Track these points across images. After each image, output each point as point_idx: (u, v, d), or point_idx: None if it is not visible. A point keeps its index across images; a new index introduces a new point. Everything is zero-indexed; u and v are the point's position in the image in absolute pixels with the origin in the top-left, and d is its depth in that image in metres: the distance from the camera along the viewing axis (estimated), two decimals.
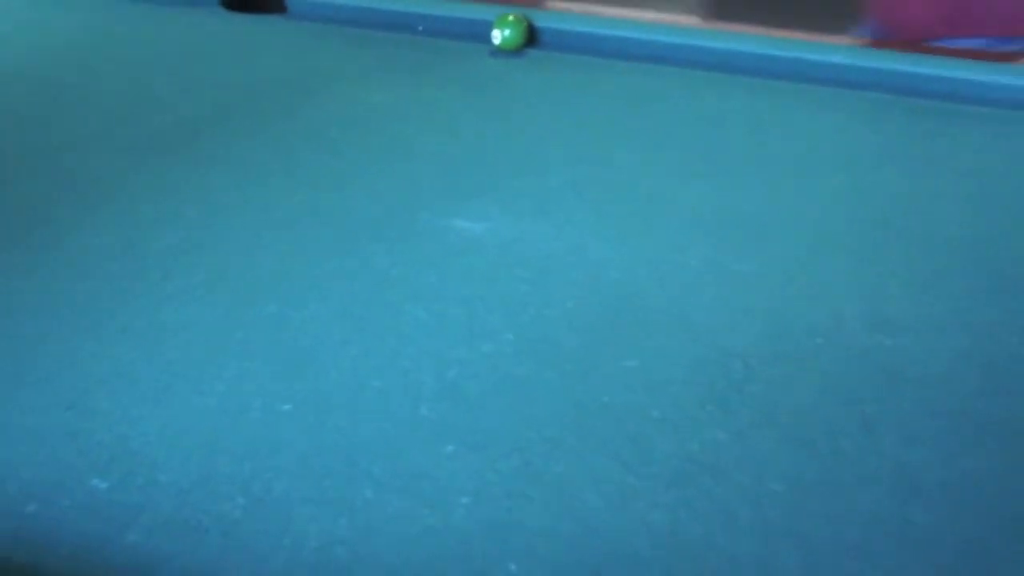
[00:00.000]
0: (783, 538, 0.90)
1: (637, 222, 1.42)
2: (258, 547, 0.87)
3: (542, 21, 2.03)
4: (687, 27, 2.07)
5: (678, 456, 1.00)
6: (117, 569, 0.85)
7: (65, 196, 1.42)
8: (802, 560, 0.88)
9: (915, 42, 2.08)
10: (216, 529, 0.89)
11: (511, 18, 1.97)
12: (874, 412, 1.06)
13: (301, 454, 0.98)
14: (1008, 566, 0.89)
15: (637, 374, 1.11)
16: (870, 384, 1.11)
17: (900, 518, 0.93)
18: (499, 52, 1.99)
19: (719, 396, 1.08)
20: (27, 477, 0.94)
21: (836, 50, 1.94)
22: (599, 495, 0.94)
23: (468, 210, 1.42)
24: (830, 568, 0.88)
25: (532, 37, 2.02)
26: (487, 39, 1.99)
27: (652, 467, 0.98)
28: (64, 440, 0.99)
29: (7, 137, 1.59)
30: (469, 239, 1.36)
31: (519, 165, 1.57)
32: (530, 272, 1.29)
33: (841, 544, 0.90)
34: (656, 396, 1.08)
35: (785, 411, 1.06)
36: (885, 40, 2.20)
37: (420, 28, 2.10)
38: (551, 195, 1.48)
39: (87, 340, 1.13)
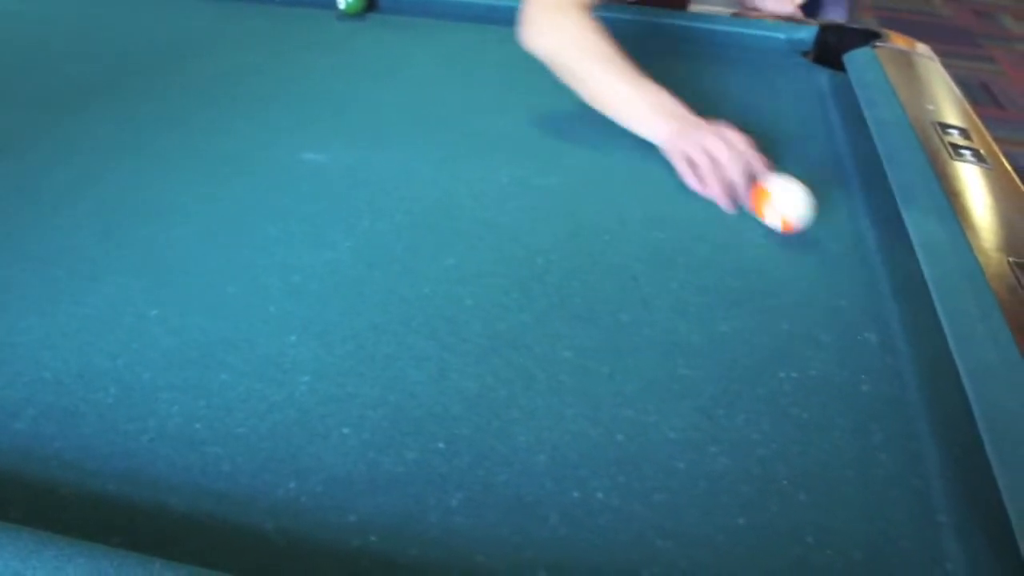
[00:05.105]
0: (572, 395, 0.90)
1: (456, 149, 1.38)
2: (127, 427, 0.84)
3: None
4: None
5: (487, 335, 0.98)
6: (6, 451, 0.80)
7: None
8: (587, 410, 0.88)
9: None
10: (92, 414, 0.85)
11: None
12: (650, 291, 1.06)
13: (166, 349, 0.94)
14: (749, 403, 0.90)
15: (454, 270, 1.08)
16: (647, 269, 1.10)
17: (668, 373, 0.93)
18: (344, 16, 1.93)
19: (523, 285, 1.07)
20: None
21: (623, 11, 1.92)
22: (420, 369, 0.92)
23: (315, 144, 1.37)
24: (610, 414, 0.88)
25: (372, 3, 1.96)
26: (333, 5, 1.93)
27: (465, 345, 0.96)
28: None
29: None
30: (315, 167, 1.31)
31: (360, 107, 1.52)
32: (366, 192, 1.25)
33: (620, 396, 0.90)
34: (470, 287, 1.06)
35: (577, 294, 1.05)
36: None
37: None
38: (385, 130, 1.44)
39: None
